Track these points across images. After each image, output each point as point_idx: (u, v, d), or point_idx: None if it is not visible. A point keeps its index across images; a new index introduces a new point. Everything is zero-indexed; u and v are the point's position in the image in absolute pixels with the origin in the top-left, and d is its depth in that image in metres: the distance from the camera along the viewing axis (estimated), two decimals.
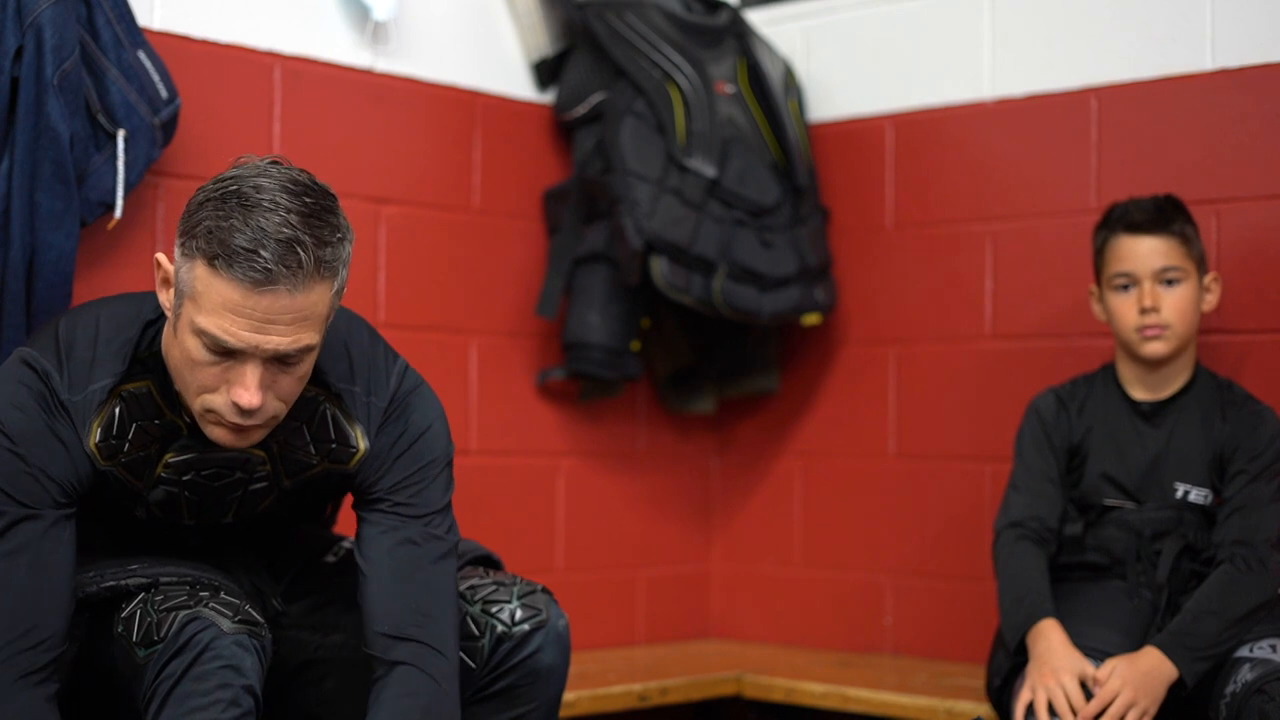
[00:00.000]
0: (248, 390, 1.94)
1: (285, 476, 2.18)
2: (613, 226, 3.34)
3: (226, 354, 1.94)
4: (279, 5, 3.04)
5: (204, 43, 2.92)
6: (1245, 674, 2.50)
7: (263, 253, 1.89)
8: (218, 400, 1.97)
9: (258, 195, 1.92)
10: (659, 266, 3.30)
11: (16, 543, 2.00)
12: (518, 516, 3.42)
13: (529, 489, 3.46)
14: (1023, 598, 2.68)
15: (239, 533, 2.27)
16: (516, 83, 3.46)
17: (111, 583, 2.10)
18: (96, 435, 2.05)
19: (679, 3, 3.57)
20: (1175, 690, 2.59)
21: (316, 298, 1.95)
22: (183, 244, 1.96)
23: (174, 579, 2.10)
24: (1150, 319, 2.72)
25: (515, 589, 2.24)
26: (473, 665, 2.20)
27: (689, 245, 3.31)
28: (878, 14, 3.58)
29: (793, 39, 3.69)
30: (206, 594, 2.06)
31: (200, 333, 1.94)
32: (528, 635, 2.20)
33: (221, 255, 1.90)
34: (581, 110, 3.43)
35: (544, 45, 3.48)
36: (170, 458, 2.10)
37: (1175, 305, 2.72)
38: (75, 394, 2.03)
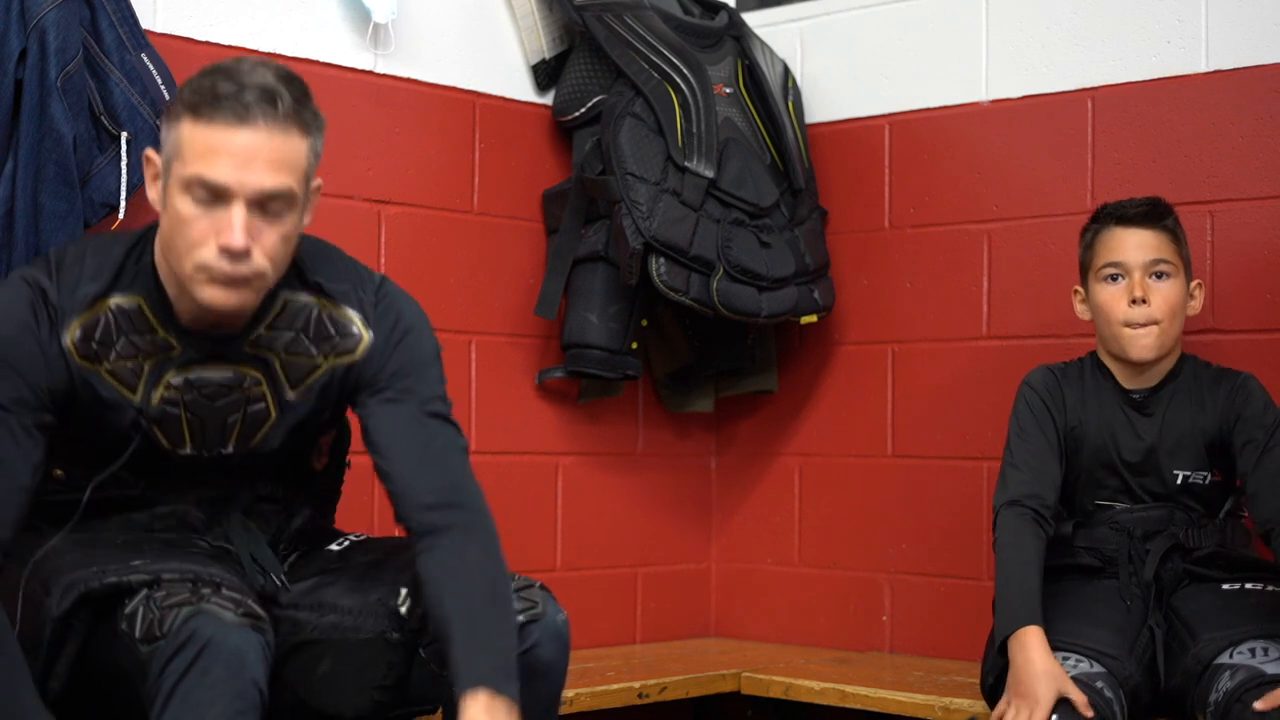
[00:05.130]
0: (233, 231, 2.04)
1: (289, 387, 2.24)
2: (612, 227, 3.35)
3: (213, 199, 2.05)
4: (281, 7, 3.05)
5: (206, 44, 2.93)
6: (1225, 682, 2.51)
7: (244, 96, 2.04)
8: (207, 253, 2.06)
9: (238, 64, 2.09)
10: (658, 267, 3.31)
11: None
12: (517, 516, 3.43)
13: (528, 488, 3.47)
14: (1011, 598, 2.63)
15: (243, 490, 2.28)
16: (516, 84, 3.47)
17: (114, 579, 2.09)
18: (76, 334, 2.13)
19: (677, 5, 3.58)
20: (1163, 698, 2.62)
21: (295, 146, 2.08)
22: (168, 117, 2.10)
23: (176, 575, 2.10)
24: (1139, 311, 2.71)
25: (512, 583, 2.23)
26: None
27: (687, 246, 3.32)
28: (875, 16, 3.59)
29: (790, 41, 3.70)
30: (208, 590, 2.06)
31: (187, 181, 2.05)
32: (523, 628, 2.18)
33: (205, 102, 2.05)
34: (580, 111, 3.44)
35: (543, 47, 3.49)
36: (171, 377, 2.17)
37: (1164, 299, 2.72)
38: (64, 298, 2.13)
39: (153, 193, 2.16)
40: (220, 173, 2.04)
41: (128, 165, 2.63)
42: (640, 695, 3.10)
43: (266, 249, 2.09)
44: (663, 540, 3.71)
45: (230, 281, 2.08)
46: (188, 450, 2.23)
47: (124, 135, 2.63)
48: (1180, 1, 3.15)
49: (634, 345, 3.45)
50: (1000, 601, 2.66)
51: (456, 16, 3.37)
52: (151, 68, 2.69)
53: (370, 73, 3.20)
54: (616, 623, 3.62)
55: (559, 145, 3.52)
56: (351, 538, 2.38)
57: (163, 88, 2.69)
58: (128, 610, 2.06)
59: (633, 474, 3.66)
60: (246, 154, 2.04)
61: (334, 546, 2.36)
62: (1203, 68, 3.12)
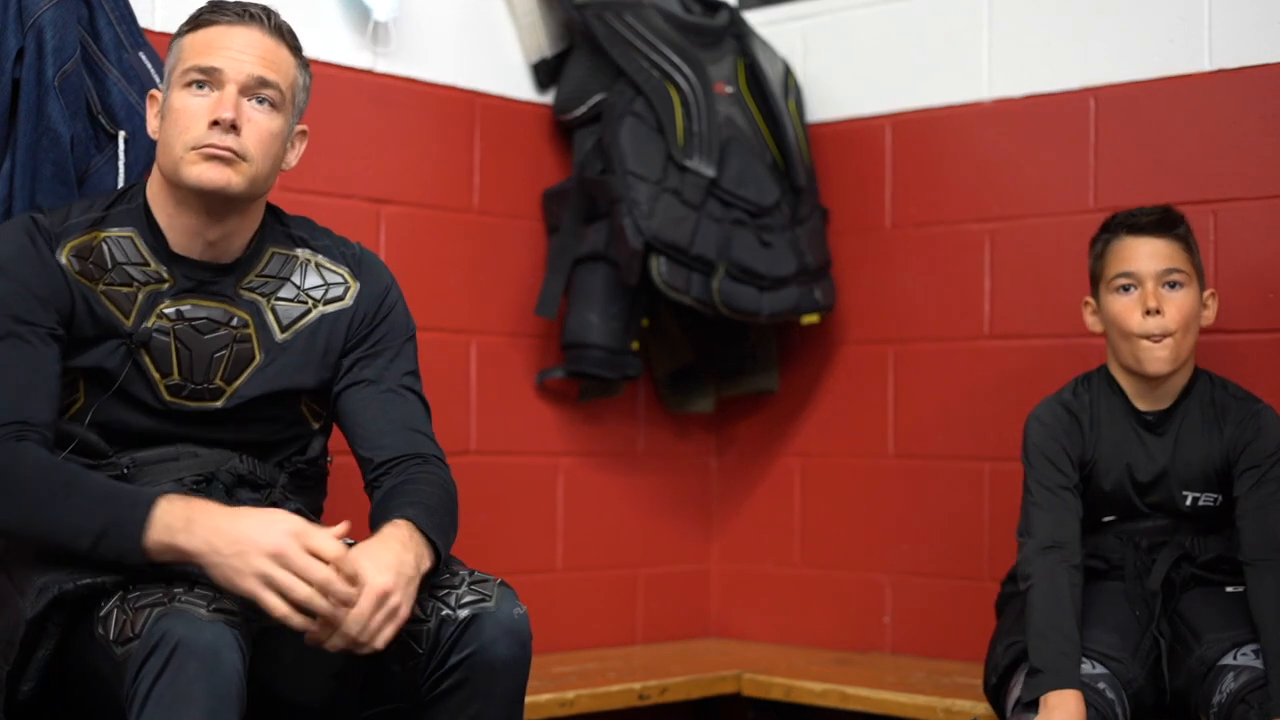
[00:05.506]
0: (225, 107, 2.22)
1: (279, 329, 2.33)
2: (612, 226, 3.34)
3: (207, 86, 2.23)
4: (279, 6, 3.02)
5: None
6: (1229, 684, 2.51)
7: (243, 6, 2.30)
8: (198, 131, 2.22)
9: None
10: (658, 266, 3.30)
11: (9, 346, 2.18)
12: (517, 516, 3.42)
13: (529, 489, 3.46)
14: (1051, 655, 2.56)
15: (223, 468, 2.29)
16: (516, 83, 3.46)
17: (88, 581, 2.06)
18: (70, 253, 2.25)
19: (678, 3, 3.57)
20: (1164, 701, 2.62)
21: (285, 58, 2.30)
22: (169, 50, 2.31)
23: (150, 574, 2.09)
24: (1153, 322, 2.67)
25: (467, 576, 2.19)
26: (420, 650, 2.13)
27: (688, 245, 3.32)
28: (877, 14, 3.58)
29: (792, 39, 3.69)
30: (180, 589, 2.03)
31: (184, 74, 2.25)
32: (472, 620, 2.12)
33: (205, 13, 2.29)
34: (581, 110, 3.43)
35: (543, 46, 3.48)
36: (164, 307, 2.27)
37: (1178, 310, 2.68)
38: (56, 226, 2.27)
39: (153, 124, 2.32)
40: (215, 59, 2.24)
41: (125, 164, 2.62)
42: (641, 696, 3.10)
43: (254, 136, 2.24)
44: (663, 541, 3.71)
45: (218, 156, 2.21)
46: (175, 378, 2.27)
47: (121, 134, 2.62)
48: (1183, 0, 3.14)
49: (635, 345, 3.44)
50: (1038, 655, 2.57)
51: (456, 15, 3.36)
52: (150, 66, 2.67)
53: (370, 72, 3.19)
54: (617, 623, 3.62)
55: (559, 144, 3.51)
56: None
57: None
58: (102, 613, 2.04)
59: (633, 474, 3.66)
60: (241, 46, 2.25)
61: None
62: (1206, 67, 3.11)
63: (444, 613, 2.14)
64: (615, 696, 3.06)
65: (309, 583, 2.01)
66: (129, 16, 2.67)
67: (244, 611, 2.04)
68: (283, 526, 2.03)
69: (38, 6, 2.49)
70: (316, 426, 2.44)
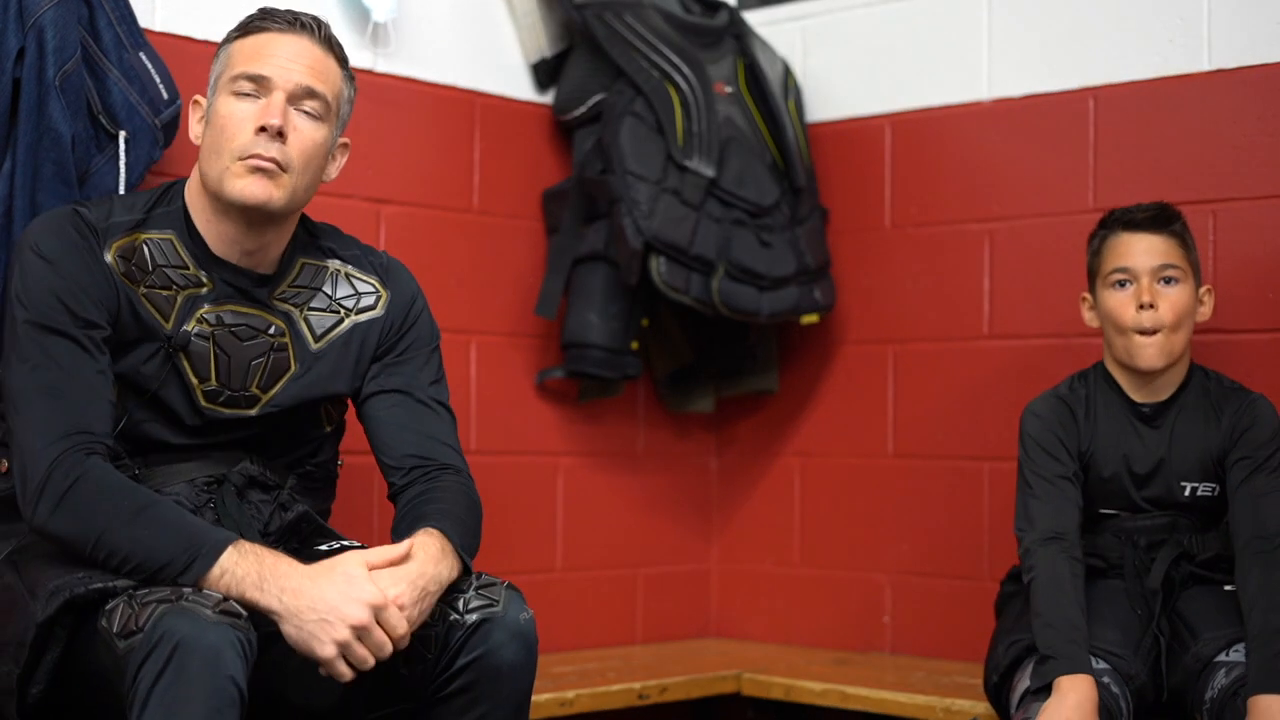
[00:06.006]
0: (272, 114, 2.23)
1: (313, 340, 2.35)
2: (612, 226, 3.34)
3: (255, 92, 2.24)
4: (279, 6, 3.04)
5: (205, 44, 2.92)
6: (1220, 679, 2.53)
7: (293, 15, 2.31)
8: (244, 139, 2.23)
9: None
10: (658, 266, 3.30)
11: (60, 349, 2.17)
12: (517, 516, 3.42)
13: (528, 489, 3.47)
14: (1060, 641, 2.57)
15: (235, 470, 2.30)
16: (516, 83, 3.46)
17: (99, 584, 2.07)
18: (115, 252, 2.25)
19: (678, 3, 3.58)
20: (1160, 698, 2.63)
21: (333, 69, 2.31)
22: (216, 55, 2.33)
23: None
24: (1147, 316, 2.70)
25: (475, 580, 2.21)
26: (428, 654, 2.15)
27: (688, 245, 3.32)
28: (876, 14, 3.58)
29: (791, 39, 3.70)
30: (189, 589, 2.04)
31: (233, 80, 2.26)
32: (479, 625, 2.15)
33: (255, 19, 2.31)
34: (581, 111, 3.43)
35: (543, 46, 3.48)
36: (204, 312, 2.28)
37: (1173, 305, 2.70)
38: (98, 222, 2.26)
39: (196, 129, 2.33)
40: (264, 67, 2.25)
41: (126, 165, 2.62)
42: (641, 696, 3.10)
43: (299, 145, 2.26)
44: (663, 540, 3.71)
45: (262, 169, 2.23)
46: (212, 384, 2.28)
47: (122, 134, 2.62)
48: (1183, 0, 3.14)
49: (634, 345, 3.44)
50: (1046, 642, 2.58)
51: (456, 15, 3.36)
52: (150, 67, 2.68)
53: (370, 72, 3.19)
54: (616, 623, 3.62)
55: (559, 144, 3.51)
56: (346, 542, 2.36)
57: (161, 87, 2.69)
58: (108, 608, 2.03)
59: (633, 474, 3.66)
60: (290, 54, 2.26)
61: (323, 547, 2.34)
62: (1205, 67, 3.12)
63: (452, 617, 2.16)
64: (615, 696, 3.06)
65: (377, 657, 2.08)
66: (129, 16, 2.68)
67: (251, 615, 2.04)
68: (363, 596, 2.06)
69: (38, 6, 2.49)
70: (328, 429, 2.44)
